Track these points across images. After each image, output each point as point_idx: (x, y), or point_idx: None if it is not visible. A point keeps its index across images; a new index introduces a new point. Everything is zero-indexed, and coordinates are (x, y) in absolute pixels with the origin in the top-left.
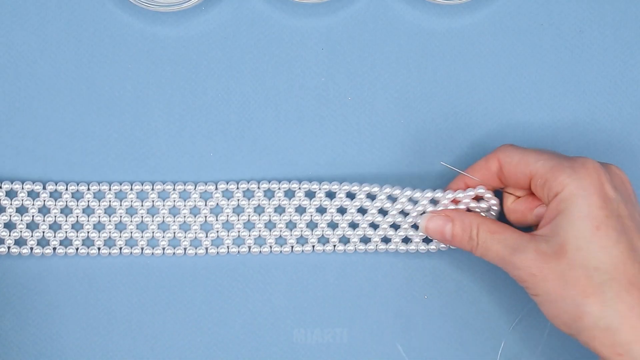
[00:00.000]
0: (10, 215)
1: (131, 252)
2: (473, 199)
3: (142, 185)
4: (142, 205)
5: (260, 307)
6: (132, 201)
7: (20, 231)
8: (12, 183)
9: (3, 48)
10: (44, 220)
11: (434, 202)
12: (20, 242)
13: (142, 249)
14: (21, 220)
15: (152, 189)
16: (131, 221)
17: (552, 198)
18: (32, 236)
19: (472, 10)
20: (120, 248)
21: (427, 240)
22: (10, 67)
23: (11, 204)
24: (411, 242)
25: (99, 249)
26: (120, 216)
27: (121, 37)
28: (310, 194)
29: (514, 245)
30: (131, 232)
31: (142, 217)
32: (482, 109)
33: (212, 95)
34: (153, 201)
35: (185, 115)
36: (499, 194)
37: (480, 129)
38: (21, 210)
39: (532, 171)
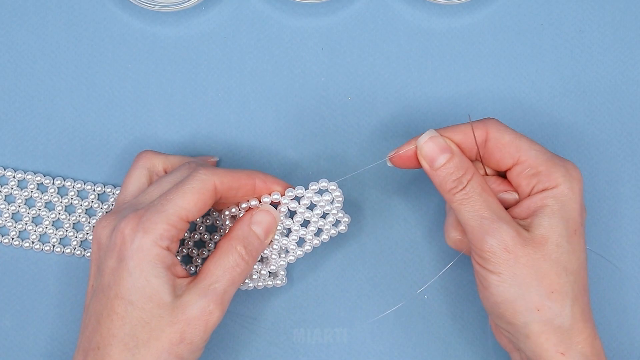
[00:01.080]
0: (19, 207)
1: None
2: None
3: None
4: None
5: (260, 307)
6: None
7: (26, 224)
8: (15, 172)
9: (3, 48)
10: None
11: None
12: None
13: None
14: (28, 213)
15: None
16: None
17: (540, 191)
18: (35, 231)
19: (472, 10)
20: None
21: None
22: (10, 67)
23: (20, 195)
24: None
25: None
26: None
27: (121, 37)
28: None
29: (498, 212)
30: None
31: None
32: (481, 108)
33: (212, 95)
34: None
35: (185, 115)
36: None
37: None
38: (30, 202)
39: (522, 157)
